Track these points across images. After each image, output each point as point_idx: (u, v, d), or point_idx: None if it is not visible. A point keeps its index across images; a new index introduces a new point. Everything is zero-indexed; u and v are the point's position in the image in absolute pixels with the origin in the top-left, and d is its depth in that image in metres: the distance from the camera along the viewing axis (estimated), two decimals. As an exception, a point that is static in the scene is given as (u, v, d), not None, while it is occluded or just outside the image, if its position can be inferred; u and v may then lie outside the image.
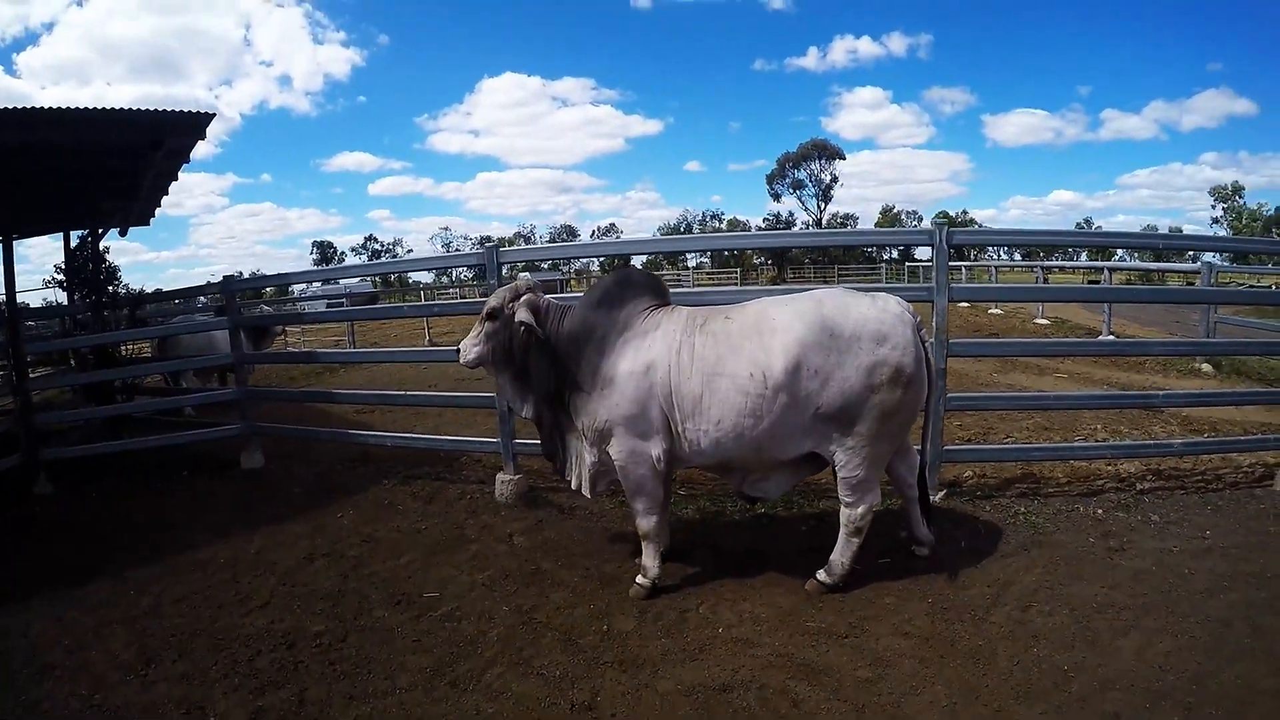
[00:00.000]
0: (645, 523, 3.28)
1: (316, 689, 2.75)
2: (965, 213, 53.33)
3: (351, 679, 2.81)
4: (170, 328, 7.36)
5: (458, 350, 3.48)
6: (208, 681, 2.83)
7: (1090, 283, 14.97)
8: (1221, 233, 37.64)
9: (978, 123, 75.24)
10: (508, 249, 4.78)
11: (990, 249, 36.67)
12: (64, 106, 4.78)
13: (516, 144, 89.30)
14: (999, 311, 14.32)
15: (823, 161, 48.77)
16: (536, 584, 3.49)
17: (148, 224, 7.73)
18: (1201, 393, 5.04)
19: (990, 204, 75.49)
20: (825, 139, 50.51)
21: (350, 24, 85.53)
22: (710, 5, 77.16)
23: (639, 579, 3.32)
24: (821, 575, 3.27)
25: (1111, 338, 8.60)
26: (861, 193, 72.00)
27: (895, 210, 52.56)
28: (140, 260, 75.60)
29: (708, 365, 3.01)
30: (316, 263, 53.00)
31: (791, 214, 50.67)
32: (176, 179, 6.73)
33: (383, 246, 58.96)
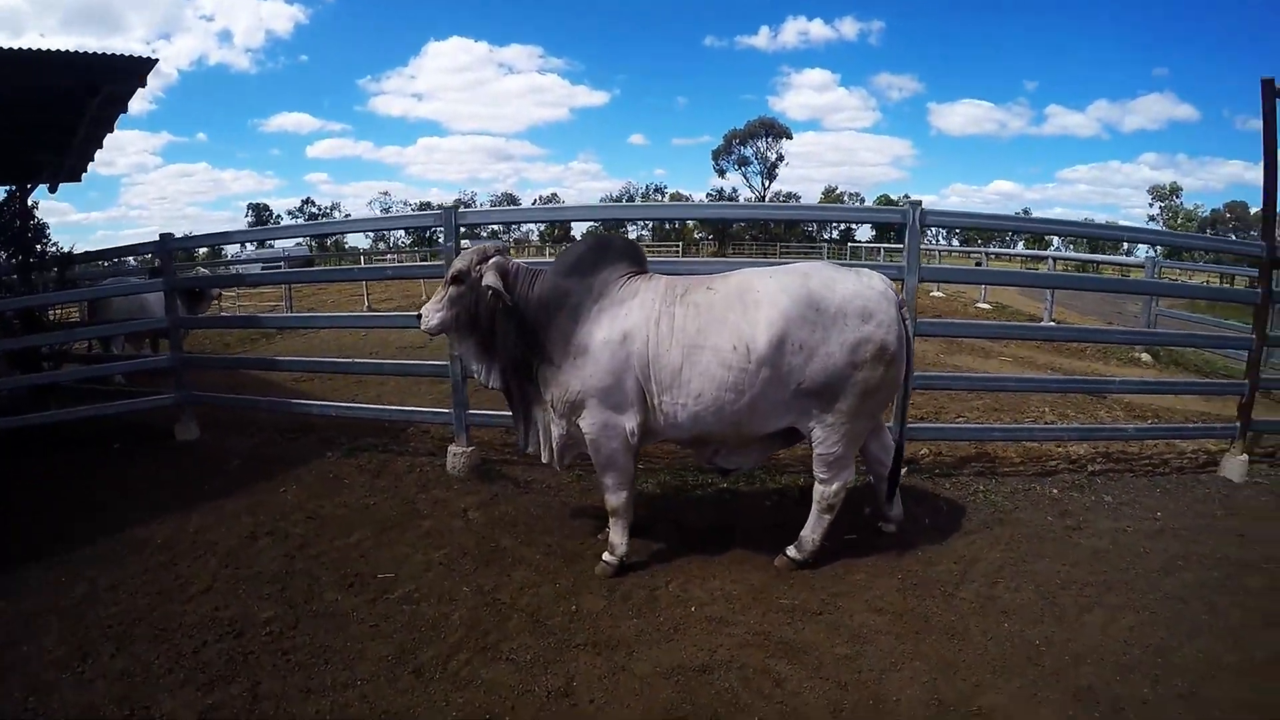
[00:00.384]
0: (615, 498, 3.17)
1: (270, 682, 2.54)
2: (907, 196, 53.66)
3: (307, 670, 2.60)
4: (102, 289, 6.74)
5: (418, 316, 3.28)
6: (151, 677, 2.58)
7: (1028, 269, 15.65)
8: (1138, 226, 39.80)
9: (924, 110, 76.62)
10: (467, 210, 4.54)
11: (930, 232, 37.76)
12: (-5, 47, 4.27)
13: (460, 109, 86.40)
14: (941, 294, 14.74)
15: (769, 140, 49.21)
16: (497, 562, 3.34)
17: (79, 179, 7.06)
18: (1153, 380, 5.27)
19: (931, 190, 77.29)
20: (773, 118, 50.93)
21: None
22: (665, -22, 76.58)
23: (606, 556, 3.22)
24: (791, 551, 3.24)
25: (1052, 324, 8.94)
26: (804, 173, 72.47)
27: (838, 191, 53.03)
28: (68, 221, 70.13)
29: (688, 337, 2.91)
30: (251, 225, 50.46)
31: (735, 190, 50.76)
32: (112, 130, 6.13)
33: (320, 210, 56.82)
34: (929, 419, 5.35)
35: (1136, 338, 6.17)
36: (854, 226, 43.60)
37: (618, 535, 3.21)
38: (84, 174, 7.05)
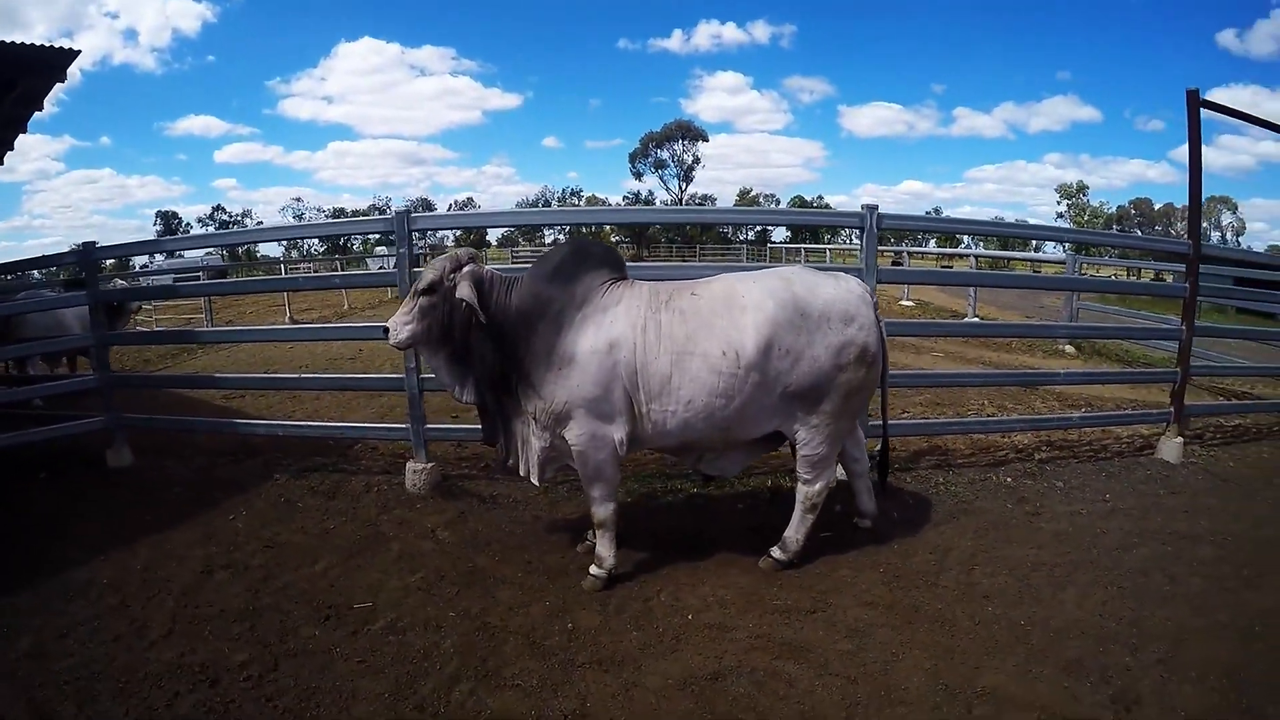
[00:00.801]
0: (603, 510, 3.14)
1: (259, 733, 2.35)
2: (821, 198, 56.55)
3: (297, 716, 2.43)
4: (15, 305, 6.13)
5: (385, 329, 3.12)
6: (124, 738, 2.34)
7: (944, 267, 16.57)
8: (1065, 225, 42.49)
9: (834, 112, 79.95)
10: (421, 215, 4.42)
11: (843, 233, 39.22)
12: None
13: (371, 113, 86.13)
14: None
15: (686, 142, 50.31)
16: (478, 583, 3.25)
17: (-17, 186, 6.46)
18: (1095, 372, 5.67)
19: (843, 190, 79.41)
20: (689, 121, 52.12)
21: (203, -25, 77.49)
22: (578, -20, 77.08)
23: (593, 569, 3.18)
24: (776, 553, 3.30)
25: (977, 319, 9.49)
26: (717, 174, 74.88)
27: (753, 194, 54.76)
28: (-38, 233, 65.04)
29: (677, 344, 2.92)
30: (160, 234, 47.99)
31: (652, 193, 51.73)
32: (25, 130, 5.61)
33: (231, 218, 54.99)
34: (873, 415, 5.56)
35: (1078, 332, 6.66)
36: (770, 229, 45.05)
37: (605, 547, 3.18)
38: (-12, 181, 6.46)
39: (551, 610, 3.02)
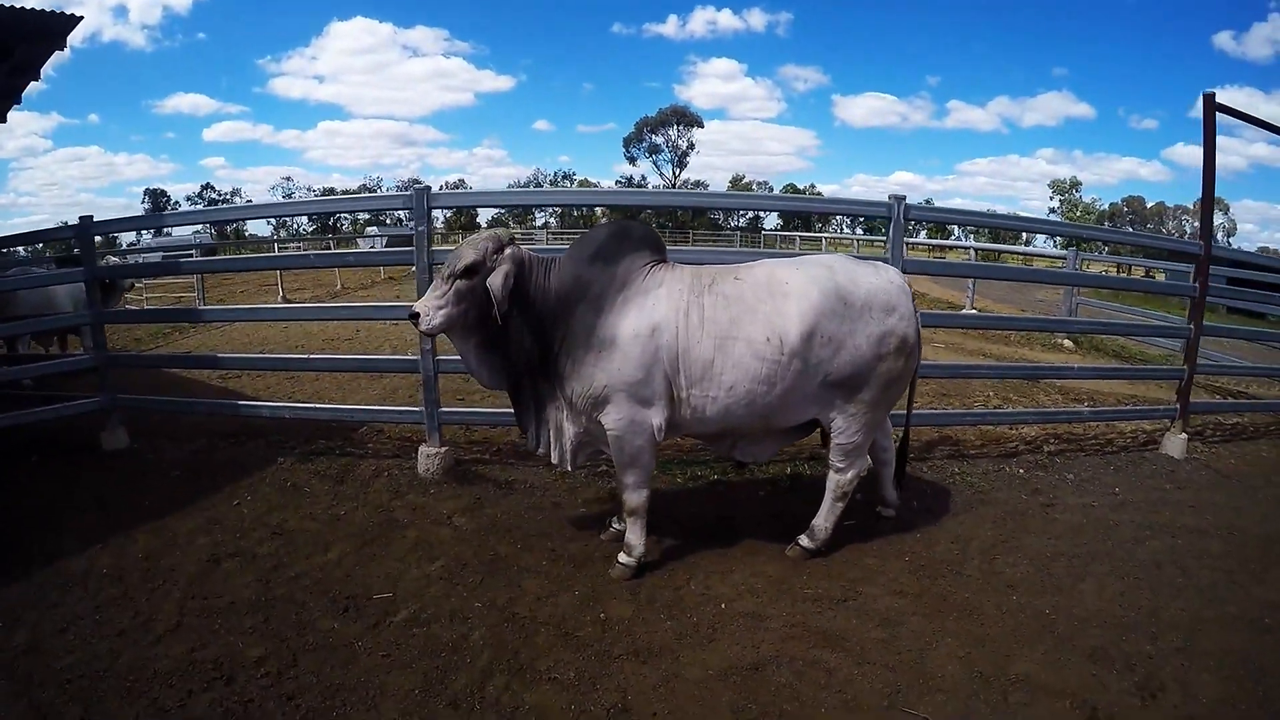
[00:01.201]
0: (636, 497, 3.19)
1: (284, 735, 2.32)
2: (813, 186, 57.38)
3: (323, 715, 2.38)
4: (7, 281, 5.91)
5: (415, 314, 3.00)
6: (137, 744, 2.29)
7: (937, 258, 16.86)
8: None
9: (828, 102, 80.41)
10: (441, 192, 4.37)
11: (834, 221, 39.74)
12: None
13: (362, 93, 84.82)
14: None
15: (680, 128, 51.14)
16: (501, 572, 3.25)
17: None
18: (1105, 367, 5.90)
19: (835, 179, 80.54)
20: (684, 106, 52.90)
21: (195, -50, 76.18)
22: (575, -35, 76.51)
23: (622, 558, 3.23)
24: (804, 540, 3.39)
25: (974, 312, 9.72)
26: (709, 161, 75.48)
27: (745, 180, 55.65)
28: (-54, 209, 63.74)
29: (720, 328, 2.97)
30: (149, 212, 48.17)
31: (645, 177, 52.47)
32: (20, 102, 5.40)
33: (220, 196, 55.54)
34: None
35: (1091, 327, 6.94)
36: (762, 215, 45.61)
37: (635, 535, 3.23)
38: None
39: (581, 600, 3.04)
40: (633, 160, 52.66)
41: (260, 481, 4.24)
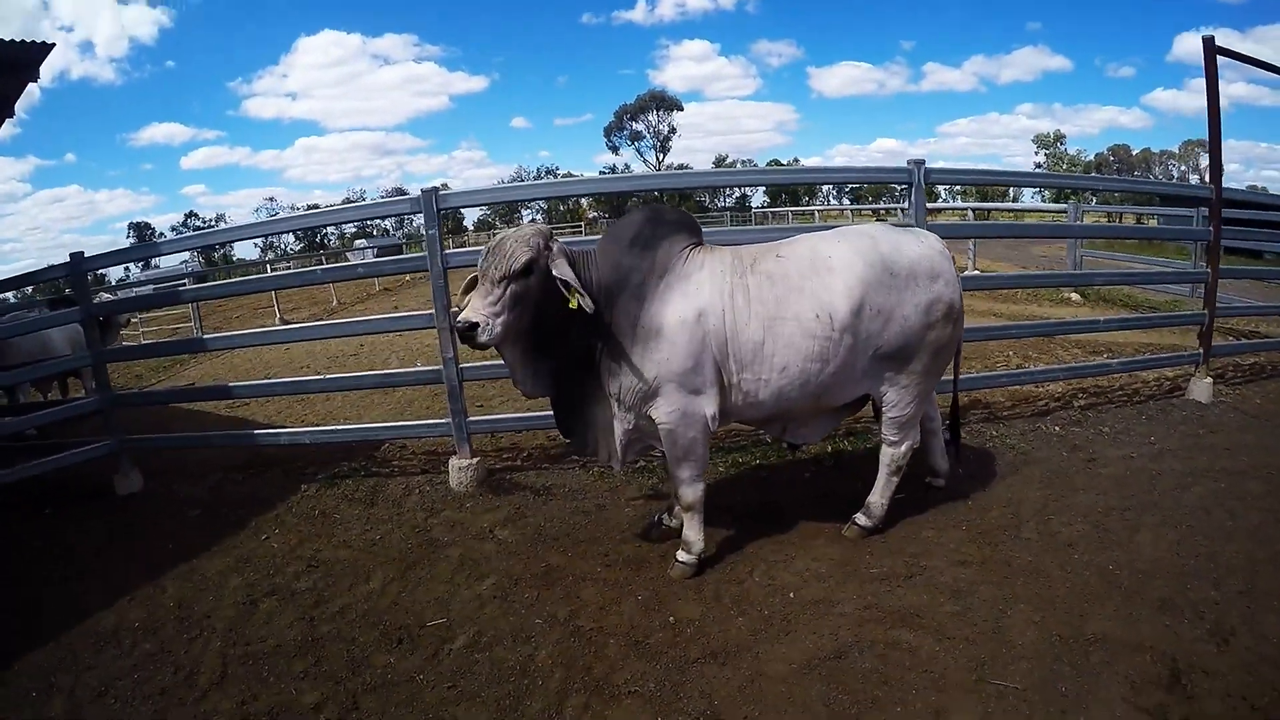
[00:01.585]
0: (691, 491, 3.21)
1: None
2: (796, 159, 58.90)
3: None
4: (5, 328, 5.74)
5: (469, 325, 2.78)
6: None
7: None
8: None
9: (804, 75, 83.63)
10: (450, 192, 4.33)
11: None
12: None
13: (336, 106, 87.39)
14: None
15: (661, 113, 51.92)
16: (557, 584, 3.23)
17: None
18: (1130, 318, 6.05)
19: (817, 151, 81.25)
20: (662, 90, 53.60)
21: (154, -22, 74.75)
22: (538, -43, 76.02)
23: (681, 556, 3.25)
24: (861, 519, 3.46)
25: (977, 272, 9.87)
26: (689, 143, 76.08)
27: (729, 160, 56.63)
28: (-76, 261, 62.50)
29: (768, 308, 2.98)
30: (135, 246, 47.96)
31: (628, 165, 53.27)
32: None
33: (205, 223, 56.15)
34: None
35: (1113, 278, 7.15)
36: (749, 192, 45.84)
37: (694, 531, 3.25)
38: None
39: (645, 604, 3.02)
40: (615, 149, 53.58)
41: (286, 512, 4.21)
